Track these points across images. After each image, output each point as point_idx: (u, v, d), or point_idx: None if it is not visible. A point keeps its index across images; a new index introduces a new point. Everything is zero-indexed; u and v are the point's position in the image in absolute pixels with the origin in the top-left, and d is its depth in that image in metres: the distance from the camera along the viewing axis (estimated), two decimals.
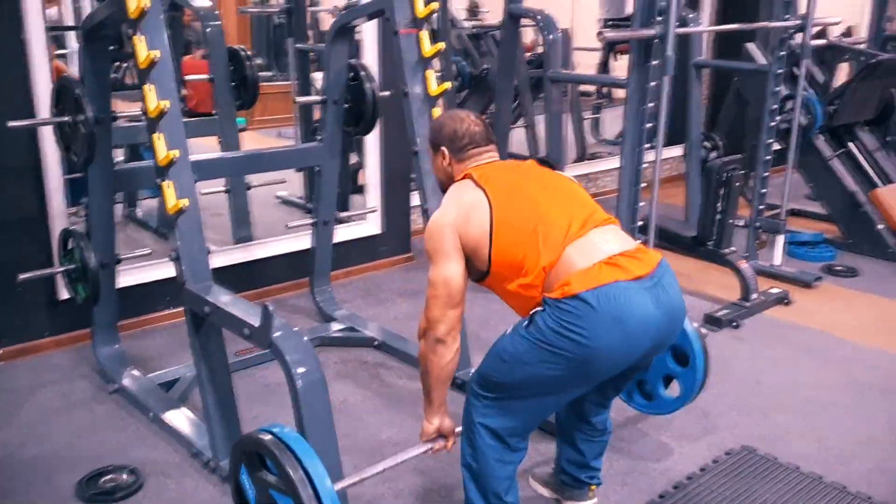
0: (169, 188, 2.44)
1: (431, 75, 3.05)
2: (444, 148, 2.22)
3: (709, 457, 2.72)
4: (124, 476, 2.56)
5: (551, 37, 3.92)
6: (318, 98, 3.44)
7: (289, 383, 2.13)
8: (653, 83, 3.47)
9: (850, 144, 5.26)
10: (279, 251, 4.07)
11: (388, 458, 2.23)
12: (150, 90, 2.41)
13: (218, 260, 3.78)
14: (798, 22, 4.06)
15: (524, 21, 4.26)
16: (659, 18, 3.36)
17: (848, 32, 7.15)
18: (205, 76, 4.11)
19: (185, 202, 2.42)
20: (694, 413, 2.94)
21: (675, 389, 2.67)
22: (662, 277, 1.97)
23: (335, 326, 3.63)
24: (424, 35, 3.02)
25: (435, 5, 3.01)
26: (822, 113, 4.84)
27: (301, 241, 3.98)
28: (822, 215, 5.37)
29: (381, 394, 3.15)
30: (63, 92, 2.80)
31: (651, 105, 3.48)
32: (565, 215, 2.02)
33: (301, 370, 2.12)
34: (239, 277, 3.92)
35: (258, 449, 1.94)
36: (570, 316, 1.87)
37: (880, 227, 4.83)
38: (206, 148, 4.10)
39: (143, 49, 2.40)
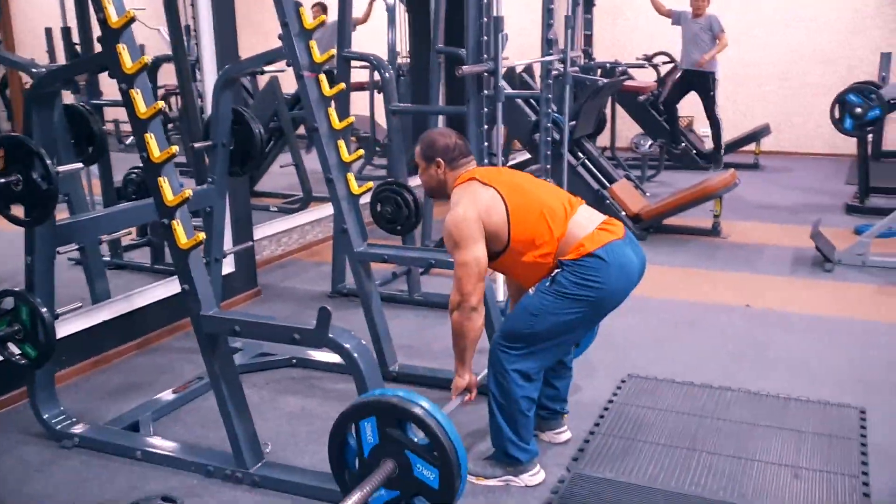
0: (178, 226, 2.66)
1: (333, 112, 3.51)
2: (439, 159, 2.76)
3: (612, 385, 3.52)
4: (160, 502, 2.67)
5: (387, 75, 4.52)
6: (207, 143, 3.67)
7: (353, 368, 2.53)
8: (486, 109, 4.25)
9: (580, 153, 6.52)
10: (157, 297, 4.15)
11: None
12: (150, 139, 2.63)
13: (91, 317, 3.85)
14: (560, 56, 5.10)
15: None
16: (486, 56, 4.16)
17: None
18: None
19: (201, 235, 2.66)
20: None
21: None
22: (631, 236, 2.71)
23: (247, 354, 3.86)
24: (323, 78, 3.47)
25: (332, 52, 3.48)
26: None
27: (177, 286, 4.11)
28: None
29: (332, 397, 3.50)
30: (15, 148, 2.81)
31: (486, 127, 4.26)
32: (557, 200, 2.68)
33: (359, 356, 2.54)
34: (116, 330, 3.97)
35: (405, 415, 2.27)
36: (589, 270, 2.53)
37: (622, 214, 6.07)
38: None
39: (141, 102, 2.61)
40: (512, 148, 7.17)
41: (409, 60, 7.96)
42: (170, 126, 6.35)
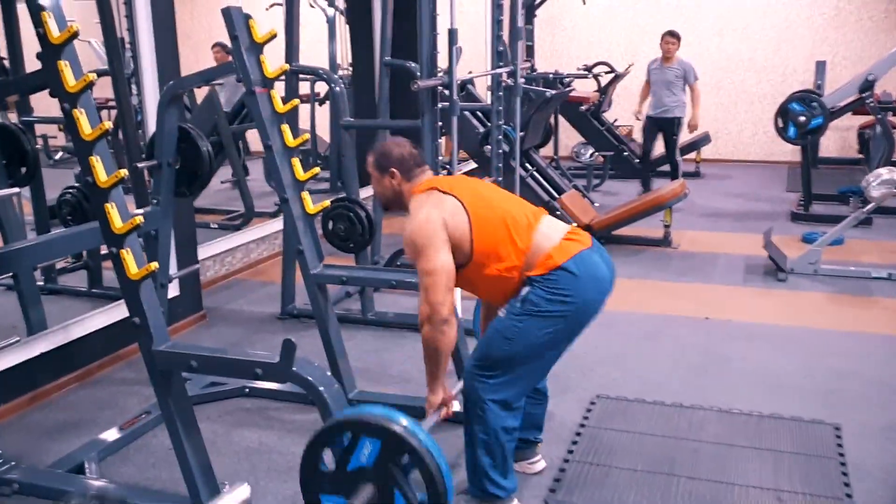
0: (128, 255, 2.47)
1: (287, 129, 3.34)
2: (393, 170, 2.62)
3: (581, 407, 3.42)
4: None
5: (337, 89, 4.36)
6: (152, 162, 3.47)
7: (319, 402, 2.37)
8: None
9: (529, 165, 6.46)
10: (96, 326, 3.91)
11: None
12: (97, 162, 2.43)
13: (27, 350, 3.60)
14: (510, 68, 5.01)
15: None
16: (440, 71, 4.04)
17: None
18: None
19: (154, 265, 2.47)
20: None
21: None
22: (599, 245, 2.62)
23: (197, 384, 3.65)
24: (275, 94, 3.31)
25: (285, 67, 3.32)
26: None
27: (118, 312, 3.89)
28: None
29: (291, 429, 3.32)
30: None
31: (440, 141, 4.13)
32: (521, 211, 2.57)
33: (325, 390, 2.39)
34: (53, 363, 3.72)
35: (402, 445, 2.12)
36: (560, 284, 2.42)
37: (573, 225, 6.00)
38: None
39: (86, 122, 2.41)
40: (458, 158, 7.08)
41: (349, 72, 7.81)
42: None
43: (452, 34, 3.92)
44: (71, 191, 4.83)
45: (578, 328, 2.54)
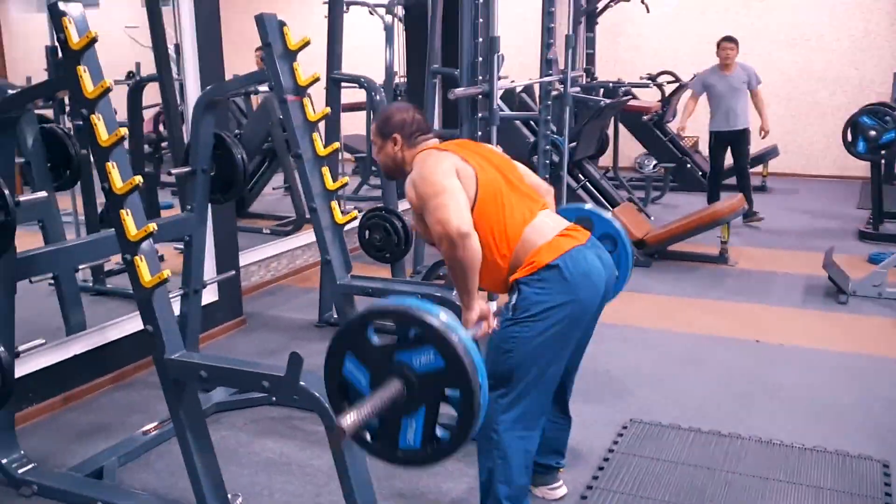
0: (142, 262, 2.45)
1: (317, 137, 3.30)
2: (395, 135, 2.51)
3: (612, 431, 3.28)
4: None
5: (378, 97, 4.32)
6: (186, 168, 3.48)
7: (324, 420, 2.30)
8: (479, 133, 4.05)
9: (581, 175, 6.31)
10: (133, 329, 3.94)
11: None
12: (112, 168, 2.42)
13: (63, 351, 3.65)
14: (560, 76, 4.90)
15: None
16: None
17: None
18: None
19: (167, 273, 2.45)
20: (578, 403, 3.47)
21: None
22: (596, 242, 2.47)
23: (227, 390, 3.63)
24: (308, 102, 3.27)
25: (316, 75, 3.28)
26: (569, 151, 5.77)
27: None
28: None
29: (313, 441, 3.27)
30: None
31: None
32: (521, 199, 2.43)
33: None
34: (89, 364, 3.75)
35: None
36: (548, 283, 2.30)
37: None
38: None
39: (103, 128, 2.41)
40: None
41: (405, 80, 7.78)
42: (163, 146, 6.18)
43: (493, 42, 3.83)
44: None
45: (574, 331, 2.39)
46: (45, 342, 3.21)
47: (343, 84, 4.45)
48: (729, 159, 7.24)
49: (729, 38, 7.00)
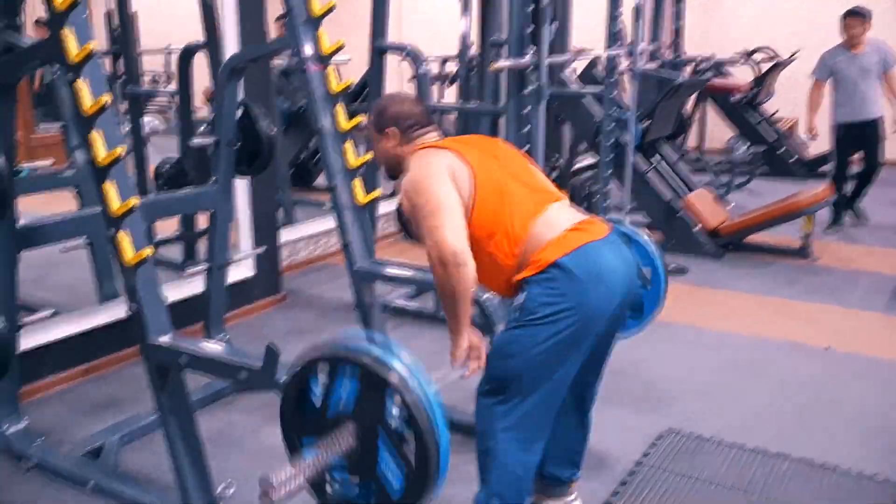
0: (125, 239, 2.31)
1: (341, 110, 3.10)
2: (391, 129, 2.30)
3: (644, 442, 2.99)
4: None
5: (421, 70, 4.09)
6: (210, 140, 3.34)
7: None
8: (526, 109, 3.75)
9: (655, 158, 5.92)
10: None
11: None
12: (96, 138, 2.28)
13: (87, 321, 3.62)
14: (626, 49, 4.55)
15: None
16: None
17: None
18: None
19: (148, 251, 2.30)
20: (614, 408, 3.20)
21: None
22: (616, 238, 2.19)
23: None
24: (332, 71, 3.07)
25: (341, 42, 3.07)
26: (639, 131, 5.40)
27: (189, 288, 3.83)
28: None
29: None
30: None
31: (526, 130, 3.76)
32: (529, 192, 2.19)
33: None
34: (114, 335, 3.69)
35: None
36: (555, 283, 2.04)
37: (696, 228, 5.46)
38: None
39: (87, 96, 2.27)
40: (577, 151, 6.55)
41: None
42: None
43: (542, 11, 3.54)
44: (168, 161, 4.88)
45: (586, 337, 2.11)
46: (56, 311, 3.15)
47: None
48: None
49: (854, 13, 5.82)
